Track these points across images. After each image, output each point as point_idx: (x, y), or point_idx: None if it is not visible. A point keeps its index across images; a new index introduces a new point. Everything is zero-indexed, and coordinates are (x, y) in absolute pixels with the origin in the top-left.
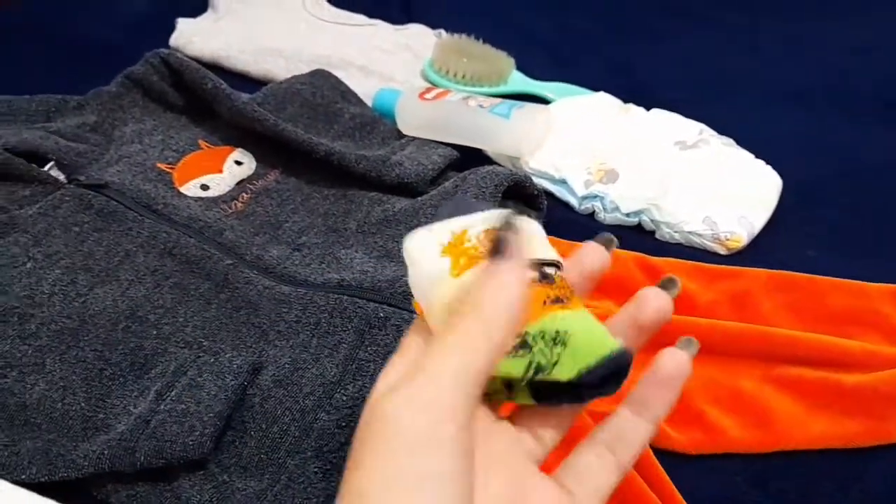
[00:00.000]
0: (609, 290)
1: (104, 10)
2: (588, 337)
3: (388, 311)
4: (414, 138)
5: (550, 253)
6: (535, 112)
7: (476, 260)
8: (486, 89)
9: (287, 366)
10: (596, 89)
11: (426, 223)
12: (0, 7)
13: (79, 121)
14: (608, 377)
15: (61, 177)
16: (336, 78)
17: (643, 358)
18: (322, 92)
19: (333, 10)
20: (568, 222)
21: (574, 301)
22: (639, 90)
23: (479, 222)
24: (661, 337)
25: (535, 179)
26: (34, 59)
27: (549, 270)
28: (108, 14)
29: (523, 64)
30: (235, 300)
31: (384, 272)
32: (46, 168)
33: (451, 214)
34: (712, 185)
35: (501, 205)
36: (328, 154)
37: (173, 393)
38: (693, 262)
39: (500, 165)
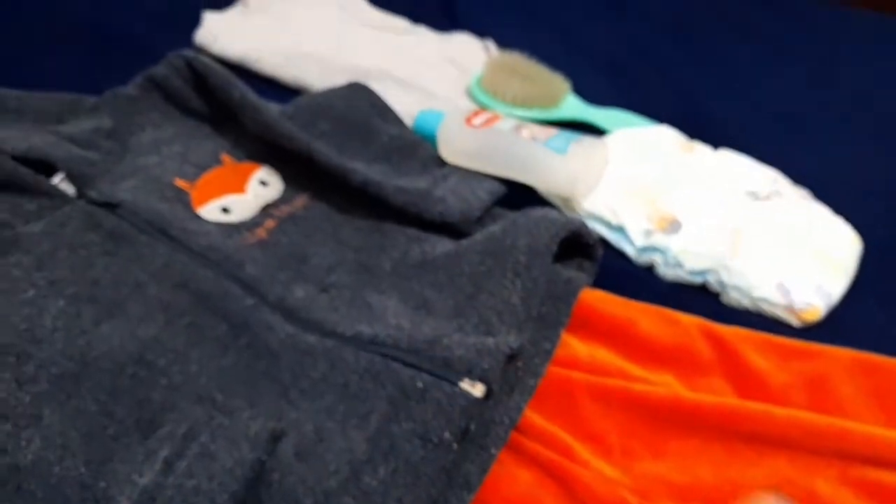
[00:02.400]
0: (669, 361)
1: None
2: None
3: (426, 381)
4: (457, 167)
5: None
6: (595, 148)
7: None
8: (535, 114)
9: (310, 434)
10: (656, 116)
11: (469, 273)
12: None
13: (93, 125)
14: None
15: (71, 190)
16: (374, 93)
17: None
18: (359, 108)
19: (373, 11)
20: (623, 275)
21: None
22: (704, 122)
23: None
24: (735, 424)
25: (588, 223)
26: (49, 49)
27: None
28: (130, 5)
29: (573, 77)
30: (255, 348)
31: (422, 328)
32: (57, 179)
33: None
34: (787, 245)
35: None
36: (364, 184)
37: (183, 464)
38: (765, 335)
39: (551, 206)
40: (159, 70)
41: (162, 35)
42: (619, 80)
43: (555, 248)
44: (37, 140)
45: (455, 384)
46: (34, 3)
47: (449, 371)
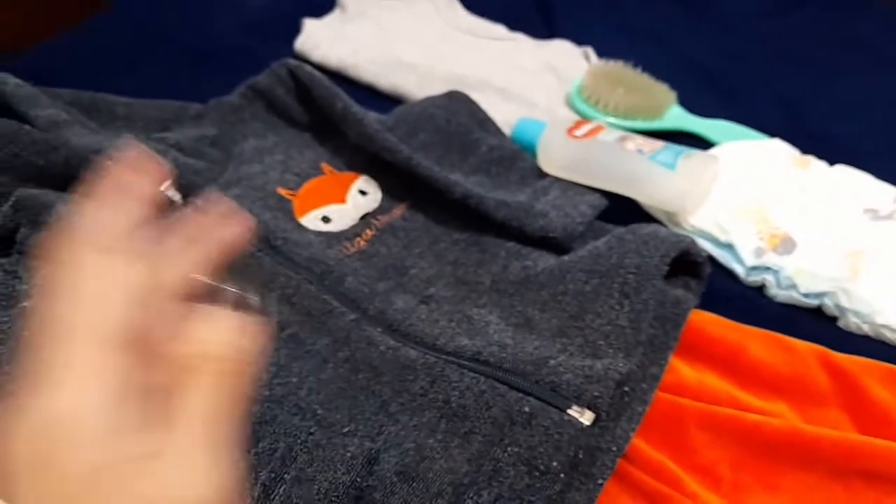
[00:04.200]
0: (783, 390)
1: (226, 8)
2: None
3: (534, 406)
4: (557, 179)
5: None
6: (705, 163)
7: None
8: (639, 124)
9: (412, 452)
10: (763, 130)
11: (574, 292)
12: (93, 12)
13: (198, 133)
14: None
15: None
16: (473, 103)
17: None
18: (458, 119)
19: (470, 17)
20: (731, 296)
21: None
22: (813, 135)
23: None
24: (857, 461)
25: (696, 238)
26: (152, 60)
27: None
28: (230, 13)
29: (674, 87)
30: (354, 361)
31: (526, 348)
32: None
33: None
34: None
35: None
36: (465, 197)
37: (281, 489)
38: (889, 366)
39: (656, 222)
40: (262, 79)
41: (262, 43)
42: (721, 91)
43: (665, 269)
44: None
45: (563, 411)
46: (136, 13)
47: (557, 396)
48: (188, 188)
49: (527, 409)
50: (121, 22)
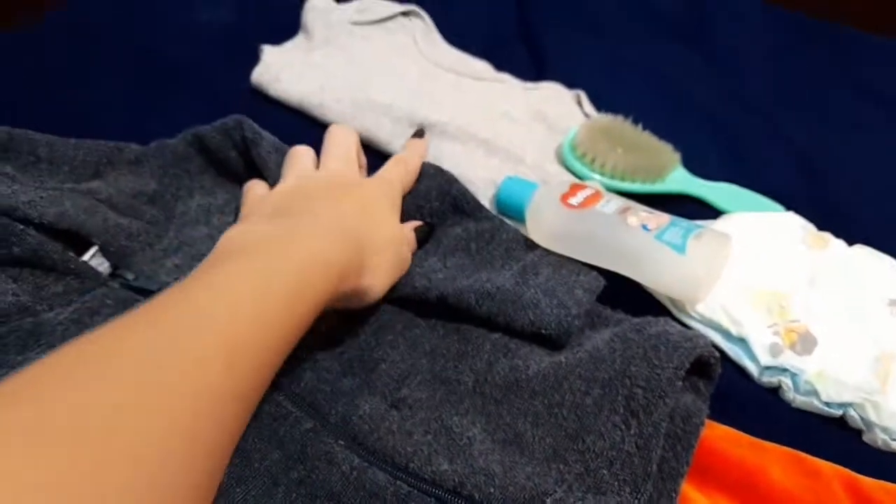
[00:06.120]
0: None
1: (176, 19)
2: None
3: None
4: (548, 252)
5: None
6: (718, 245)
7: None
8: (637, 186)
9: None
10: (776, 193)
11: (571, 404)
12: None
13: (135, 186)
14: None
15: (104, 265)
16: (446, 176)
17: None
18: (430, 205)
19: (451, 51)
20: (742, 398)
21: None
22: (833, 203)
23: None
24: None
25: (701, 328)
26: (102, 79)
27: None
28: (183, 26)
29: (675, 137)
30: (310, 484)
31: (517, 477)
32: (88, 255)
33: None
34: None
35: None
36: (441, 298)
37: None
38: None
39: (658, 304)
40: (213, 136)
41: (216, 62)
42: (729, 144)
43: (679, 382)
44: (69, 205)
45: None
46: (88, 30)
47: None
48: (119, 255)
49: None
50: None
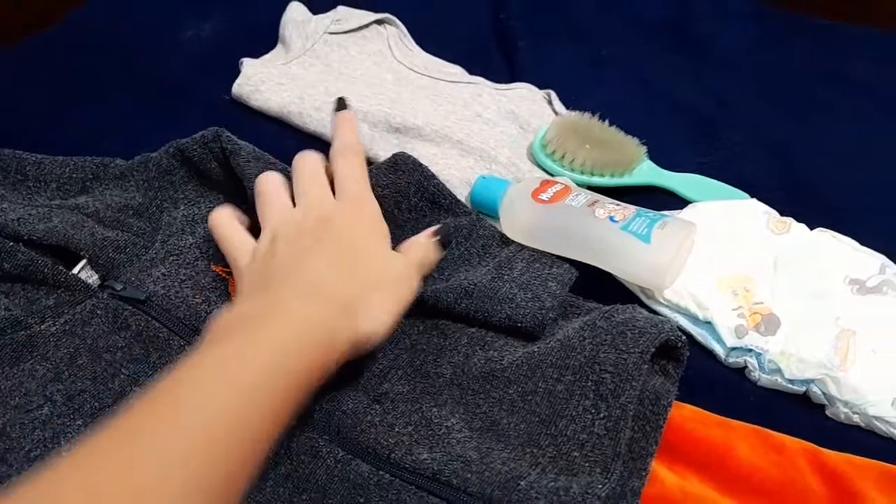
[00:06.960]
0: (773, 496)
1: (161, 33)
2: None
3: None
4: (521, 247)
5: None
6: (681, 233)
7: None
8: (605, 180)
9: None
10: (744, 182)
11: (544, 391)
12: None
13: (121, 200)
14: None
15: (93, 277)
16: (424, 171)
17: None
18: (409, 201)
19: (425, 56)
20: (709, 379)
21: None
22: (799, 188)
23: None
24: None
25: (669, 313)
26: (86, 94)
27: None
28: (167, 40)
29: (646, 130)
30: (297, 478)
31: (493, 462)
32: (78, 268)
33: None
34: None
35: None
36: (420, 301)
37: None
38: (885, 466)
39: (628, 291)
40: (194, 149)
41: (198, 75)
42: (703, 133)
43: (645, 366)
44: (57, 221)
45: None
46: (72, 47)
47: None
48: (108, 267)
49: None
50: (52, 54)
